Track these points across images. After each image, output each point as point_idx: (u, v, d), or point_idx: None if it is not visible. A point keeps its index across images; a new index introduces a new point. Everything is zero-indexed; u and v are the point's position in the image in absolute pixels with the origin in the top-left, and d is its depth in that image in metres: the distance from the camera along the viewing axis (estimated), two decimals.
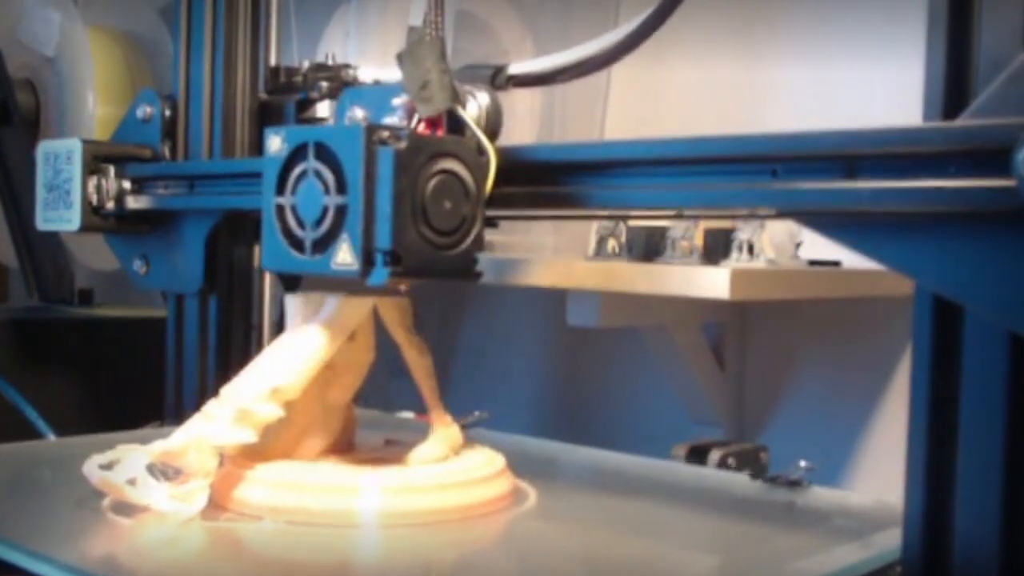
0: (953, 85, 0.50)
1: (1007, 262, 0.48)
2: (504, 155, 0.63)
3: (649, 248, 1.26)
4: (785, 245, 1.35)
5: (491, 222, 0.65)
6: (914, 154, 0.49)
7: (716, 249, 1.24)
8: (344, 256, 0.59)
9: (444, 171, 0.59)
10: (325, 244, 0.60)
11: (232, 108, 0.86)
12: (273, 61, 0.87)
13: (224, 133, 0.86)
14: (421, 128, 0.62)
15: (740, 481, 0.75)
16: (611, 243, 1.28)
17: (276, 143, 0.61)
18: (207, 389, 0.89)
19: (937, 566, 0.51)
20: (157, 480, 0.60)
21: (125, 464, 0.61)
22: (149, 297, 1.55)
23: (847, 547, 0.59)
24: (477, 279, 0.62)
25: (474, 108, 0.64)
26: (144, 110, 0.89)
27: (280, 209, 0.62)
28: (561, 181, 0.62)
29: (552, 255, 1.46)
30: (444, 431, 0.68)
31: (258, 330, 0.92)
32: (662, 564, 0.59)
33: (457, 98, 0.62)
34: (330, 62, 0.79)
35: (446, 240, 0.60)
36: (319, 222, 0.60)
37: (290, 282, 0.90)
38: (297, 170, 0.61)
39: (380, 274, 0.58)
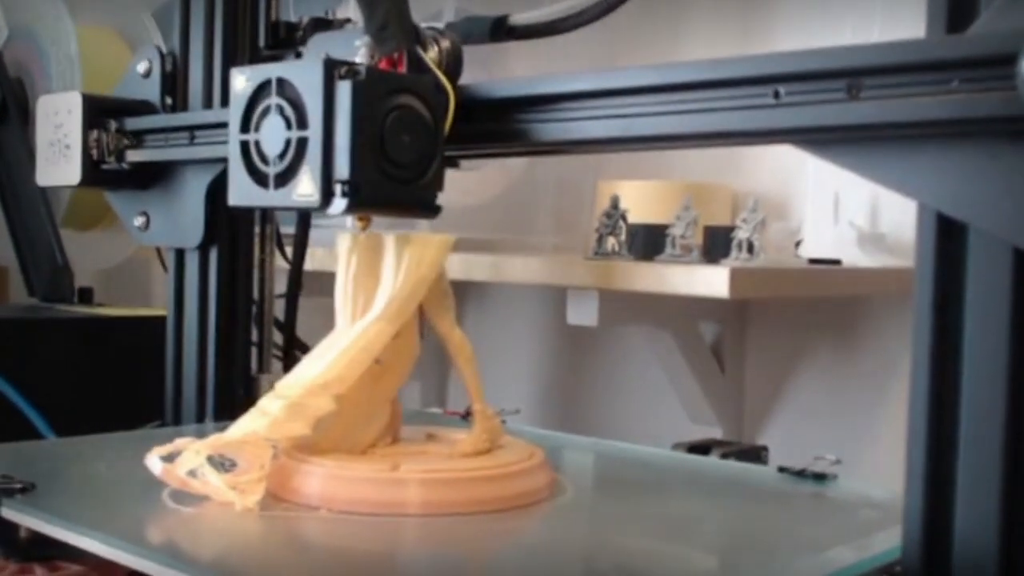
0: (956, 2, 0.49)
1: (1011, 176, 0.47)
2: (463, 92, 0.65)
3: (649, 246, 1.26)
4: (785, 244, 1.35)
5: (452, 161, 0.67)
6: (916, 66, 0.48)
7: (716, 248, 1.24)
8: (305, 188, 0.61)
9: (402, 106, 0.61)
10: (287, 177, 0.61)
11: (233, 63, 0.85)
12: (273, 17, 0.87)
13: (224, 87, 0.85)
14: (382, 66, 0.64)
15: (768, 474, 0.76)
16: (611, 241, 1.27)
17: (241, 82, 0.64)
18: (207, 347, 0.89)
19: (937, 566, 0.50)
20: (216, 471, 0.62)
21: (185, 456, 0.62)
22: (149, 297, 1.55)
23: (864, 541, 0.59)
24: (436, 214, 0.64)
25: (434, 51, 0.66)
26: (144, 64, 0.89)
27: (245, 145, 0.63)
28: (557, 112, 0.63)
29: (552, 253, 1.46)
30: (486, 424, 0.69)
31: (260, 284, 0.92)
32: (673, 558, 0.60)
33: (417, 38, 0.64)
34: (330, 17, 0.80)
35: (405, 174, 0.62)
36: (282, 156, 0.62)
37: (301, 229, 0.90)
38: (261, 107, 0.63)
39: (339, 204, 0.59)
